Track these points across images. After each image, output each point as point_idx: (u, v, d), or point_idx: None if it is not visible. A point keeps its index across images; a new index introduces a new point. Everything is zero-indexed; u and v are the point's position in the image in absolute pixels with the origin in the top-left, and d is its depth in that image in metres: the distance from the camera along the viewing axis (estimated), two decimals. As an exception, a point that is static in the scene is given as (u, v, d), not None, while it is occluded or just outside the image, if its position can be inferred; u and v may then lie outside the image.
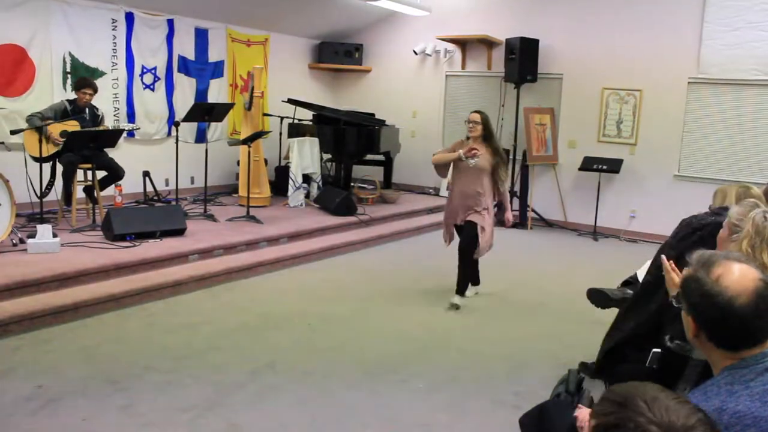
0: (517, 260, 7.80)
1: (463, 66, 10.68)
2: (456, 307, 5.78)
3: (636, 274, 4.32)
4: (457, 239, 6.04)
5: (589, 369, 4.25)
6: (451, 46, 10.68)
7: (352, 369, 4.42)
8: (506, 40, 9.65)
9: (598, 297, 4.42)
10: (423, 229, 9.13)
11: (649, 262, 4.21)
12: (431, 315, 5.64)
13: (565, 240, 9.12)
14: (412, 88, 11.13)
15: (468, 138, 5.92)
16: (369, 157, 10.06)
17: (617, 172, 9.09)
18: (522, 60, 9.38)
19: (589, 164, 9.23)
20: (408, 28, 11.04)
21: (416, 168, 11.03)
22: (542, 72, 9.66)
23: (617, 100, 9.27)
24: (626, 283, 4.45)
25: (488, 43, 10.17)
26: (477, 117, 5.83)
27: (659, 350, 3.14)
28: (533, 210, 9.76)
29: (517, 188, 9.82)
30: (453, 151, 5.87)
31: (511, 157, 9.83)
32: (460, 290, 5.94)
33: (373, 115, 10.19)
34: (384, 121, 9.94)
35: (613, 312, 4.38)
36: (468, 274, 5.99)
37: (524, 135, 9.64)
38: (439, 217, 9.72)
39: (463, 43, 10.51)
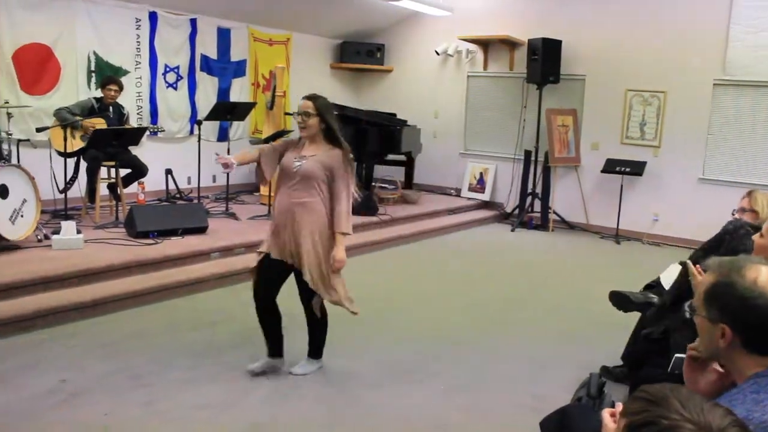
0: (537, 262, 7.77)
1: (485, 66, 10.64)
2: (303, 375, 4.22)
3: (659, 278, 4.28)
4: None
5: (611, 373, 4.23)
6: (473, 47, 10.64)
7: (371, 369, 4.41)
8: (529, 40, 9.60)
9: (621, 300, 4.38)
10: (444, 229, 9.12)
11: (672, 266, 4.17)
12: (451, 316, 5.63)
13: (586, 242, 9.06)
14: (434, 89, 11.11)
15: (300, 139, 4.21)
16: (390, 157, 10.06)
17: (640, 174, 9.00)
18: (544, 61, 9.32)
19: (611, 166, 9.15)
20: (430, 28, 11.02)
21: (438, 168, 11.01)
22: (565, 73, 9.60)
23: (641, 101, 9.19)
24: (649, 287, 4.41)
25: (510, 44, 10.13)
26: (309, 105, 3.98)
27: (682, 356, 3.11)
28: (555, 212, 9.70)
29: (539, 190, 9.77)
30: (283, 150, 4.19)
31: (532, 158, 9.79)
32: (313, 352, 4.33)
33: (394, 115, 10.18)
34: (405, 121, 9.93)
35: (636, 315, 4.35)
36: (317, 332, 4.30)
37: (546, 136, 9.59)
38: (462, 217, 9.75)
39: (485, 44, 10.47)
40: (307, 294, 4.10)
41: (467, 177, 10.77)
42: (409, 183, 10.39)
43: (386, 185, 10.39)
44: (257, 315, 4.14)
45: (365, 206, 8.47)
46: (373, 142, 9.38)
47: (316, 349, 4.32)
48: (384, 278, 6.74)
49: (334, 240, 4.03)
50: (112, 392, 3.84)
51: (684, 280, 3.67)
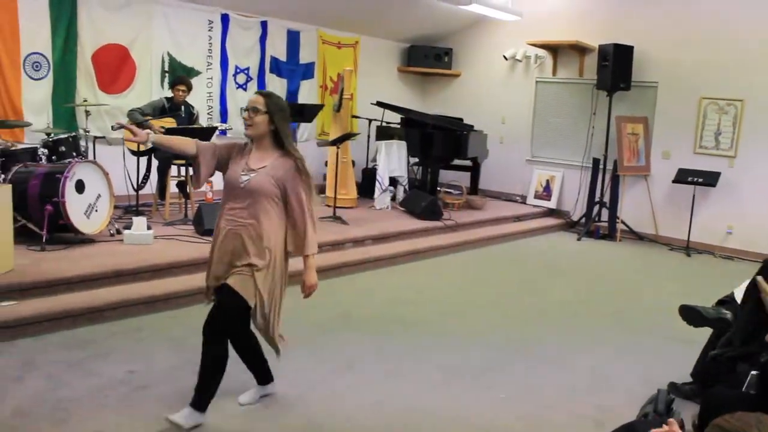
0: (604, 272, 7.61)
1: (554, 72, 10.49)
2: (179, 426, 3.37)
3: (733, 293, 4.14)
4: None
5: (679, 390, 4.10)
6: (542, 52, 10.51)
7: (432, 373, 4.39)
8: (599, 46, 9.42)
9: (692, 315, 4.25)
10: (509, 236, 9.02)
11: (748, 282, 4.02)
12: (515, 323, 5.55)
13: (655, 254, 8.82)
14: (502, 94, 11.01)
15: (246, 144, 3.60)
16: (456, 162, 10.02)
17: (714, 185, 8.71)
18: (615, 67, 9.13)
19: (683, 176, 8.89)
20: (498, 32, 10.93)
21: (504, 174, 10.91)
22: (636, 80, 9.38)
23: (716, 110, 8.90)
24: (721, 302, 4.26)
25: (580, 49, 9.96)
26: (259, 101, 3.42)
27: (757, 372, 2.98)
28: (623, 222, 9.49)
29: (606, 199, 9.57)
30: (226, 155, 3.58)
31: (601, 166, 9.59)
32: (198, 401, 3.44)
33: (461, 119, 10.13)
34: (472, 126, 9.87)
35: (707, 331, 4.21)
36: (211, 375, 3.45)
37: (616, 144, 9.39)
38: (527, 225, 9.65)
39: (554, 49, 10.32)
40: (222, 323, 3.46)
41: (533, 184, 10.64)
42: (474, 188, 10.32)
43: (451, 190, 10.34)
44: (235, 350, 3.66)
45: (430, 211, 8.46)
46: (439, 147, 9.36)
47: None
48: (447, 283, 6.71)
49: (286, 263, 3.54)
50: (176, 386, 3.91)
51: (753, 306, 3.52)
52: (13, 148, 6.26)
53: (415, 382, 4.25)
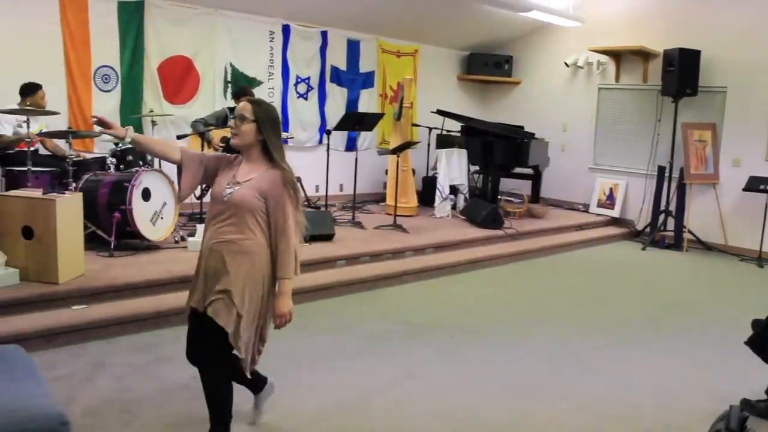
0: (670, 283, 7.39)
1: (617, 78, 10.28)
2: None
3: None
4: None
5: (753, 407, 3.93)
6: (604, 58, 10.32)
7: (493, 384, 4.33)
8: (664, 51, 9.19)
9: (765, 329, 4.08)
10: (571, 246, 8.87)
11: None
12: (577, 334, 5.43)
13: (725, 265, 8.53)
14: (563, 101, 10.86)
15: (237, 157, 3.28)
16: (517, 170, 9.91)
17: (788, 193, 8.40)
18: (681, 72, 8.89)
19: (755, 184, 8.58)
20: (559, 39, 10.80)
21: (566, 183, 10.75)
22: (703, 85, 9.11)
23: (790, 115, 8.59)
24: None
25: (644, 55, 9.75)
26: (247, 108, 3.13)
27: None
28: (689, 231, 9.22)
29: (672, 207, 9.32)
30: (214, 166, 3.27)
31: (666, 174, 9.35)
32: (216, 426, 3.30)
33: (522, 127, 10.04)
34: (533, 134, 9.76)
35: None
36: (221, 398, 3.32)
37: (682, 152, 9.14)
38: (590, 234, 9.48)
39: (617, 55, 10.13)
40: (203, 353, 3.23)
41: (596, 192, 10.45)
42: (536, 197, 10.19)
43: (512, 198, 10.24)
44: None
45: (490, 219, 8.39)
46: (500, 155, 9.28)
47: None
48: (508, 293, 6.63)
49: (273, 285, 3.27)
50: (238, 390, 3.95)
51: None
52: (80, 158, 6.46)
53: (475, 392, 4.20)
